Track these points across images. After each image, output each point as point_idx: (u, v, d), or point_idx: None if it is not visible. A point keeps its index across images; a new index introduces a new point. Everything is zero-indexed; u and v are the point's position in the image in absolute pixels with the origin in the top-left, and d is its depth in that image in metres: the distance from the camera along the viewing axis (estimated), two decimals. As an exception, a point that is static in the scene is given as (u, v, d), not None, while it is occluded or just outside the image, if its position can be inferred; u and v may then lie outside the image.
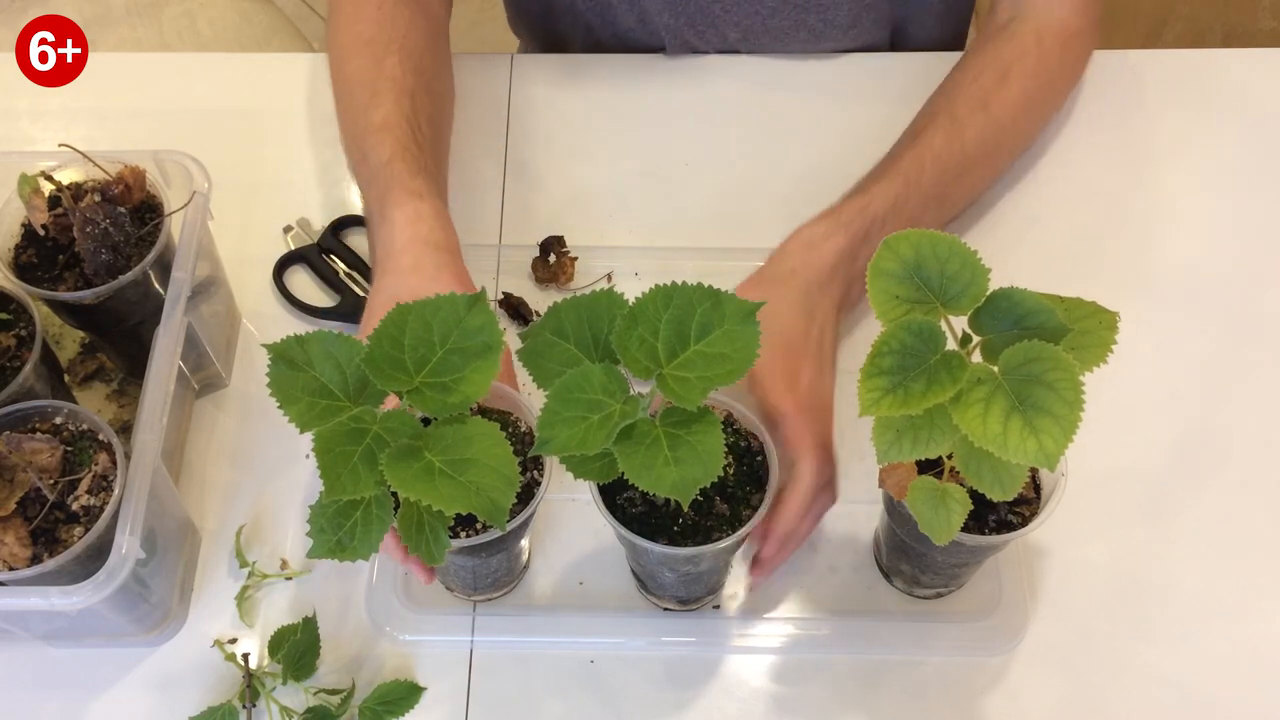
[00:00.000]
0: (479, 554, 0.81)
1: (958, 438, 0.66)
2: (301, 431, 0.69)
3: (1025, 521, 0.78)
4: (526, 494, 0.78)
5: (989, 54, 1.03)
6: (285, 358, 0.69)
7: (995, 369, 0.65)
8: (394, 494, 0.67)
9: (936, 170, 0.97)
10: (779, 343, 0.86)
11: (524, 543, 0.89)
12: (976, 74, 1.02)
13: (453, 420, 0.69)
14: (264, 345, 0.70)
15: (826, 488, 0.86)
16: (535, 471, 0.79)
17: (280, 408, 0.69)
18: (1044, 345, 0.63)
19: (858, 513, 0.93)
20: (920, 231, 0.67)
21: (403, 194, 0.91)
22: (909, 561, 0.86)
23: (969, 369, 0.64)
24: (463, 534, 0.77)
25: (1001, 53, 1.03)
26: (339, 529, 0.69)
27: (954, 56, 1.18)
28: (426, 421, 0.70)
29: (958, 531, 0.71)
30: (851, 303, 0.94)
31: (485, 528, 0.76)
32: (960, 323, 0.68)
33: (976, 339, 0.67)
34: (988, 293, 0.66)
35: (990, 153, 1.02)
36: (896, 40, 1.20)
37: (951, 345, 0.67)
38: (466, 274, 0.90)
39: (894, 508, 0.81)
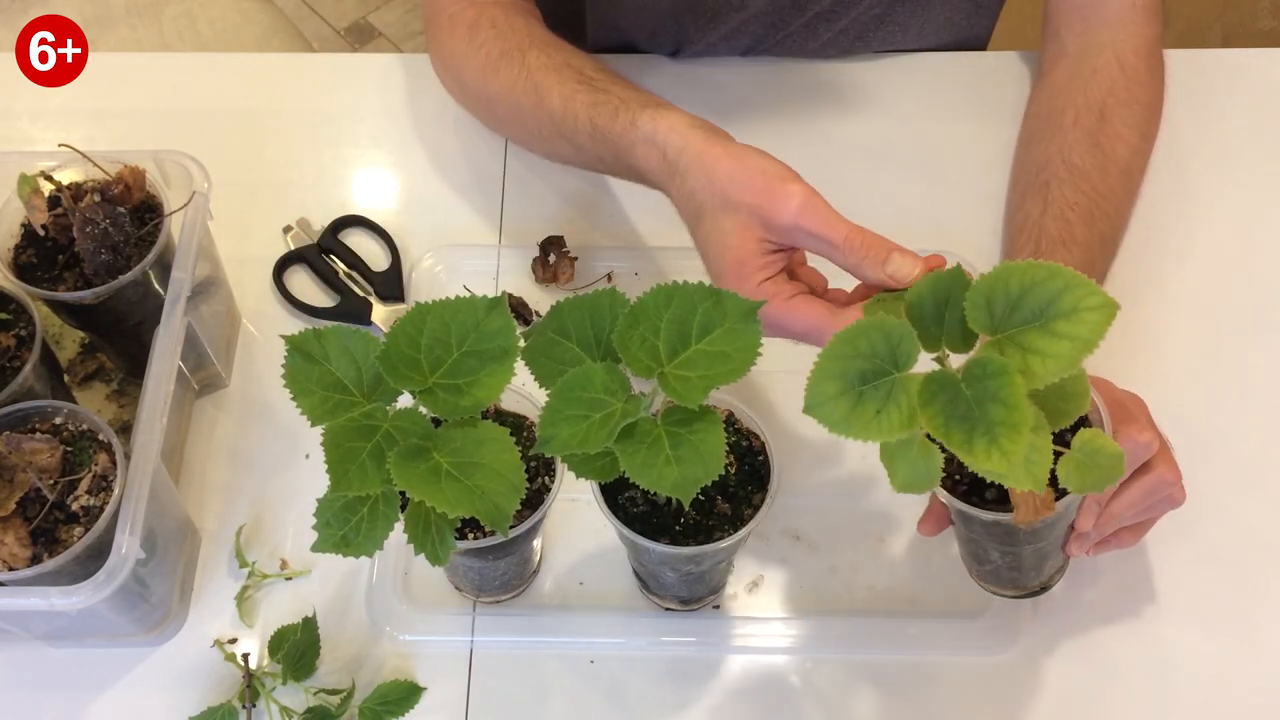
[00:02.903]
0: (486, 556, 0.81)
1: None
2: (313, 425, 0.69)
3: None
4: (536, 500, 0.78)
5: (1077, 94, 1.02)
6: (302, 350, 0.70)
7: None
8: (402, 493, 0.67)
9: (1083, 222, 0.96)
10: None
11: (535, 544, 0.89)
12: (1075, 118, 1.00)
13: (464, 423, 0.69)
14: (282, 336, 0.70)
15: (1159, 462, 0.80)
16: (546, 477, 0.79)
17: (293, 399, 0.69)
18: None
19: (857, 512, 0.93)
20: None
21: (622, 147, 0.89)
22: (1025, 564, 0.82)
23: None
24: (470, 536, 0.77)
25: (1090, 91, 1.01)
26: (345, 524, 0.69)
27: (957, 57, 1.19)
28: (438, 423, 0.70)
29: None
30: None
31: (492, 531, 0.76)
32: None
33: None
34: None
35: (1125, 184, 1.01)
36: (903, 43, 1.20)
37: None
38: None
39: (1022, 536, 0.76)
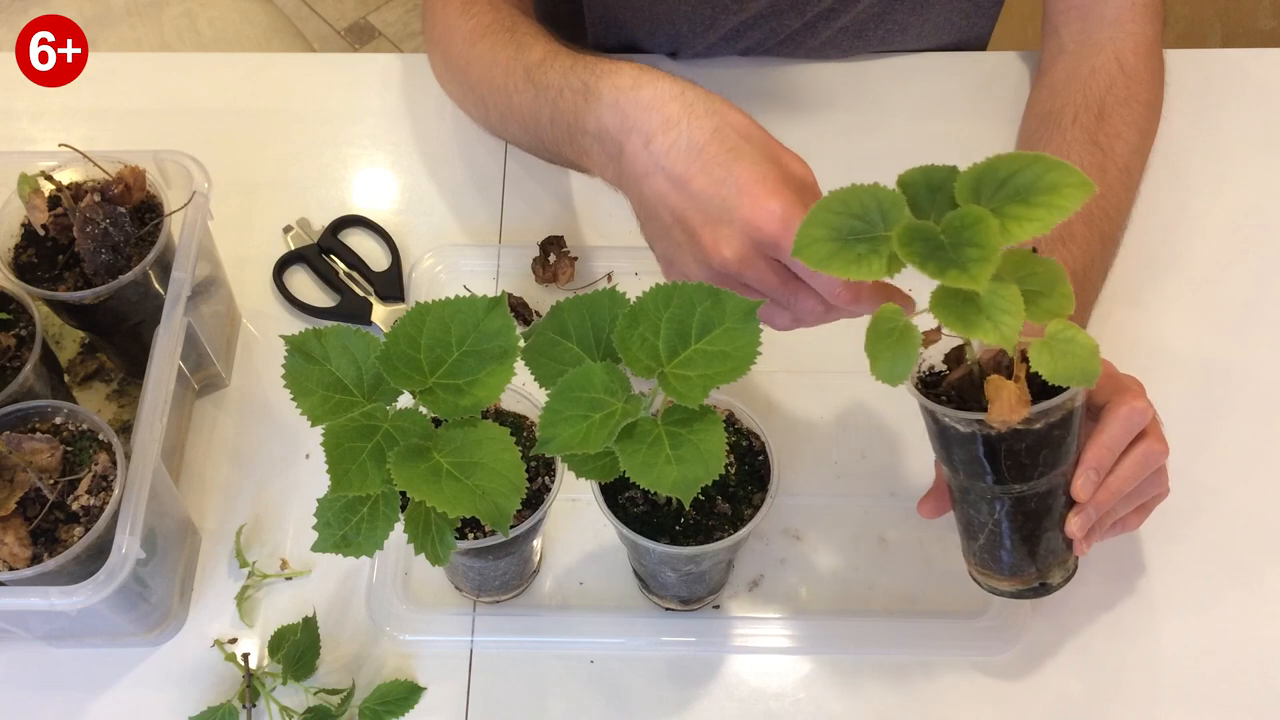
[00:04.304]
0: (486, 556, 0.81)
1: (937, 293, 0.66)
2: (313, 425, 0.69)
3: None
4: (536, 499, 0.78)
5: (1076, 93, 1.02)
6: (303, 350, 0.70)
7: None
8: (402, 493, 0.67)
9: (1082, 220, 0.95)
10: None
11: (535, 544, 0.89)
12: (1074, 117, 1.00)
13: (464, 423, 0.69)
14: (282, 336, 0.70)
15: (1150, 433, 0.81)
16: (546, 477, 0.79)
17: (294, 399, 0.69)
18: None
19: (857, 512, 0.93)
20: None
21: (600, 73, 0.85)
22: (1037, 540, 0.81)
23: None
24: (470, 536, 0.77)
25: (1089, 90, 1.01)
26: (345, 524, 0.69)
27: (957, 57, 1.19)
28: (438, 423, 0.70)
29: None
30: None
31: (492, 531, 0.76)
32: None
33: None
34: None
35: (1124, 182, 1.01)
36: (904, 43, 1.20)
37: None
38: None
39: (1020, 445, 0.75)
